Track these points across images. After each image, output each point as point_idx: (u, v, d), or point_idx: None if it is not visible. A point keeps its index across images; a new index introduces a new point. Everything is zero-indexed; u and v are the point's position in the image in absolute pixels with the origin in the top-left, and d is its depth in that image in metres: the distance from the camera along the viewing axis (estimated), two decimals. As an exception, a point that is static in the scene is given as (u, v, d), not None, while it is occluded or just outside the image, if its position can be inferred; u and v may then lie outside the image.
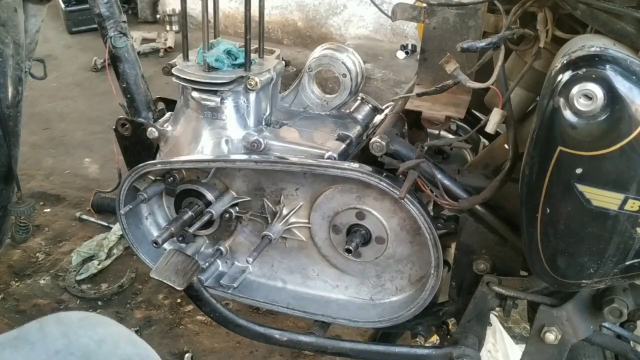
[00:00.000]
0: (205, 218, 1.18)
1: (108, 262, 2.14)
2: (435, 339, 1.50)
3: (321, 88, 1.30)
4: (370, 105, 1.30)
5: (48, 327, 0.66)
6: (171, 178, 1.23)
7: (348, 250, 1.13)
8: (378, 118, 1.30)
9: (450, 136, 1.40)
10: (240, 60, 1.22)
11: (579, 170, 0.79)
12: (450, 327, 1.29)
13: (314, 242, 1.22)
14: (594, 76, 0.74)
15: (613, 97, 0.73)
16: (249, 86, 1.19)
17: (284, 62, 1.30)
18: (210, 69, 1.20)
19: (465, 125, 1.40)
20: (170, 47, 4.39)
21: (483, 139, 1.46)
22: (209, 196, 1.22)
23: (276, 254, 1.28)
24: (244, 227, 1.28)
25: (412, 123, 1.21)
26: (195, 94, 1.21)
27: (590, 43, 0.78)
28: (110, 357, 0.66)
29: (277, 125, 1.27)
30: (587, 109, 0.74)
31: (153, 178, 1.26)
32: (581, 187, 0.80)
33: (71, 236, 2.31)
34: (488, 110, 1.11)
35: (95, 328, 0.69)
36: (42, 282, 2.05)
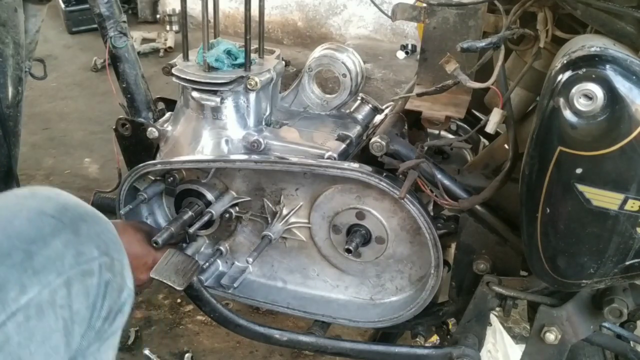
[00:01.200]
0: (205, 218, 1.18)
1: (108, 262, 2.14)
2: (435, 339, 1.50)
3: (321, 88, 1.30)
4: (370, 105, 1.30)
5: (16, 189, 0.82)
6: (171, 178, 1.23)
7: (348, 250, 1.13)
8: (378, 118, 1.30)
9: (450, 136, 1.40)
10: (240, 60, 1.22)
11: (579, 170, 0.79)
12: (450, 327, 1.29)
13: (314, 242, 1.22)
14: (594, 76, 0.74)
15: (613, 97, 0.73)
16: (249, 86, 1.19)
17: (284, 62, 1.30)
18: (210, 69, 1.20)
19: (465, 125, 1.40)
20: (170, 47, 4.39)
21: (483, 139, 1.46)
22: (209, 196, 1.22)
23: (276, 254, 1.28)
24: (244, 227, 1.28)
25: (412, 123, 1.21)
26: (195, 94, 1.21)
27: (590, 43, 0.78)
28: (67, 200, 0.79)
29: (277, 125, 1.27)
30: (587, 109, 0.74)
31: (153, 178, 1.26)
32: (581, 187, 0.80)
33: (71, 236, 2.30)
34: (488, 110, 1.11)
35: (55, 190, 0.81)
36: (42, 282, 2.04)
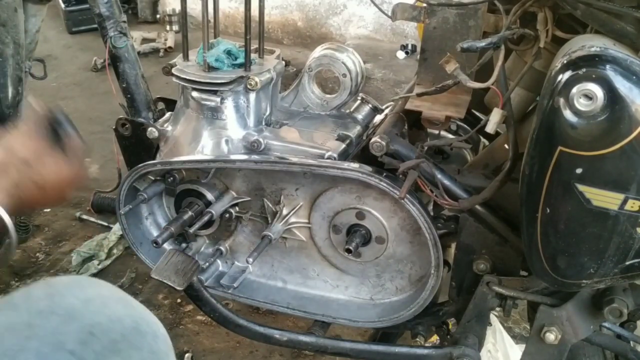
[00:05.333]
0: (205, 218, 1.18)
1: (108, 262, 2.14)
2: (435, 339, 1.50)
3: (321, 88, 1.30)
4: (370, 105, 1.30)
5: (34, 290, 0.65)
6: (171, 178, 1.23)
7: (348, 250, 1.13)
8: (378, 118, 1.30)
9: (450, 136, 1.40)
10: (240, 60, 1.22)
11: (579, 170, 0.79)
12: (450, 327, 1.29)
13: (314, 242, 1.22)
14: (594, 76, 0.74)
15: (613, 97, 0.73)
16: (249, 86, 1.19)
17: (284, 62, 1.30)
18: (210, 69, 1.20)
19: (465, 125, 1.40)
20: (170, 47, 4.39)
21: (483, 139, 1.46)
22: (209, 196, 1.22)
23: (276, 254, 1.28)
24: (244, 227, 1.28)
25: (412, 123, 1.21)
26: (195, 94, 1.21)
27: (590, 43, 0.78)
28: (97, 316, 0.63)
29: (277, 125, 1.27)
30: (587, 109, 0.74)
31: (153, 178, 1.26)
32: (581, 187, 0.80)
33: (71, 236, 2.31)
34: (488, 110, 1.11)
35: (84, 289, 0.66)
36: (42, 282, 2.05)
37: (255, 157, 1.18)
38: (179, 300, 1.96)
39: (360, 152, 1.19)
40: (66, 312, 0.62)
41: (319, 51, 1.27)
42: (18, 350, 0.56)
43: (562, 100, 0.76)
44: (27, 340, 0.57)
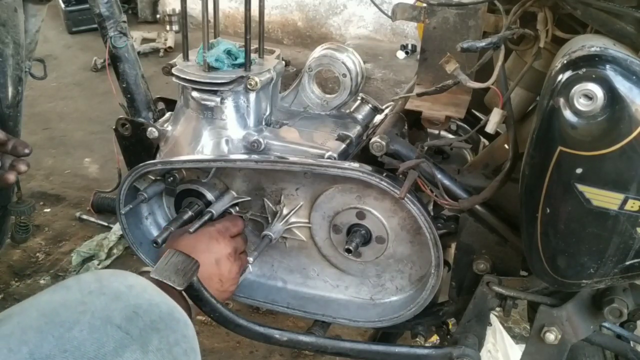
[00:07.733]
0: (206, 218, 1.18)
1: (108, 262, 2.14)
2: (435, 339, 1.50)
3: (321, 88, 1.30)
4: (370, 105, 1.30)
5: (83, 276, 0.75)
6: (171, 178, 1.23)
7: (348, 250, 1.13)
8: (378, 118, 1.30)
9: (450, 136, 1.40)
10: (240, 60, 1.22)
11: (579, 170, 0.79)
12: (450, 327, 1.29)
13: (314, 241, 1.22)
14: (594, 76, 0.74)
15: (613, 97, 0.73)
16: (249, 86, 1.19)
17: (284, 62, 1.30)
18: (210, 69, 1.20)
19: (465, 125, 1.40)
20: (170, 47, 4.40)
21: (483, 139, 1.46)
22: (209, 196, 1.22)
23: (276, 253, 1.28)
24: (244, 227, 1.28)
25: (412, 123, 1.21)
26: (195, 94, 1.21)
27: (590, 43, 0.78)
28: (139, 299, 0.72)
29: (277, 125, 1.27)
30: (587, 109, 0.74)
31: (153, 178, 1.26)
32: (581, 187, 0.80)
33: (71, 236, 2.31)
34: (488, 110, 1.11)
35: (126, 278, 0.76)
36: (42, 282, 2.05)
37: (255, 156, 1.18)
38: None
39: (360, 152, 1.19)
40: (113, 293, 0.70)
41: (319, 51, 1.27)
42: (73, 323, 0.64)
43: (562, 100, 0.76)
44: (81, 315, 0.65)
